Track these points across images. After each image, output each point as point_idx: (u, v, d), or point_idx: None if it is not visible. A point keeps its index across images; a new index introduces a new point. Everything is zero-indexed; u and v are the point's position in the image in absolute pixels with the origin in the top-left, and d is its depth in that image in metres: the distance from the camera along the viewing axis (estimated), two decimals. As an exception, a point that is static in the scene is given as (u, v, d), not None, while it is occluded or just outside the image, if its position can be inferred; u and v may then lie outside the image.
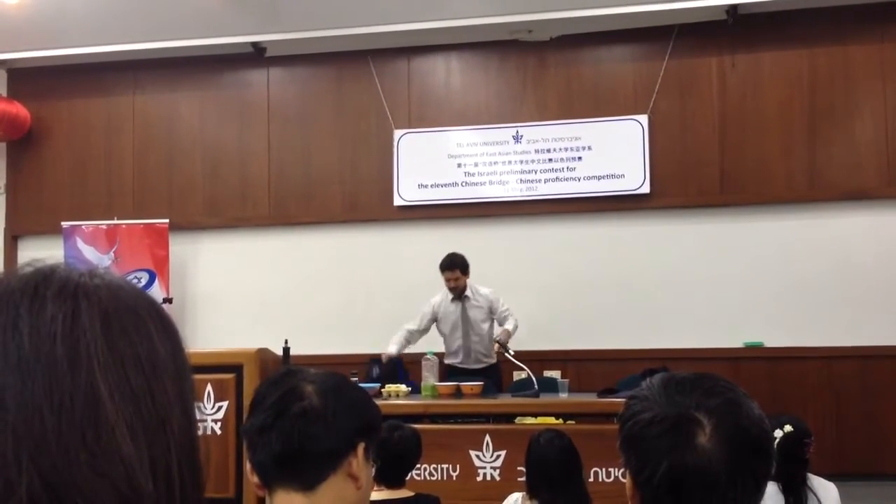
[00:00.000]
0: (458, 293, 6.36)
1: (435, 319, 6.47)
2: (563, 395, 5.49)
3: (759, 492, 1.25)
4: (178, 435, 0.62)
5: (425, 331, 6.48)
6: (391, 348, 6.33)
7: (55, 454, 0.55)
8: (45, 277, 0.61)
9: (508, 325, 6.19)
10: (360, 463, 1.51)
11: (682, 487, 1.23)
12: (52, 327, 0.58)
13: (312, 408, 1.48)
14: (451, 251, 6.42)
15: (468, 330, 6.41)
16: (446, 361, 6.51)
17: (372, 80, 7.73)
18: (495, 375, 6.46)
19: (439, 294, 6.48)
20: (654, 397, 1.29)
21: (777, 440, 3.53)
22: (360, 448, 1.51)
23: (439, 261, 6.32)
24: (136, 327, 0.62)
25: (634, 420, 1.29)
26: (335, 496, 1.48)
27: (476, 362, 6.45)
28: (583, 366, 6.77)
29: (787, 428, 3.61)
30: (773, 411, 6.41)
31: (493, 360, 6.50)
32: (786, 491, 3.55)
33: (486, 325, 6.43)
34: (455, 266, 6.32)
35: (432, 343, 6.55)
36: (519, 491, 3.58)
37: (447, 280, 6.34)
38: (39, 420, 0.55)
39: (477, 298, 6.40)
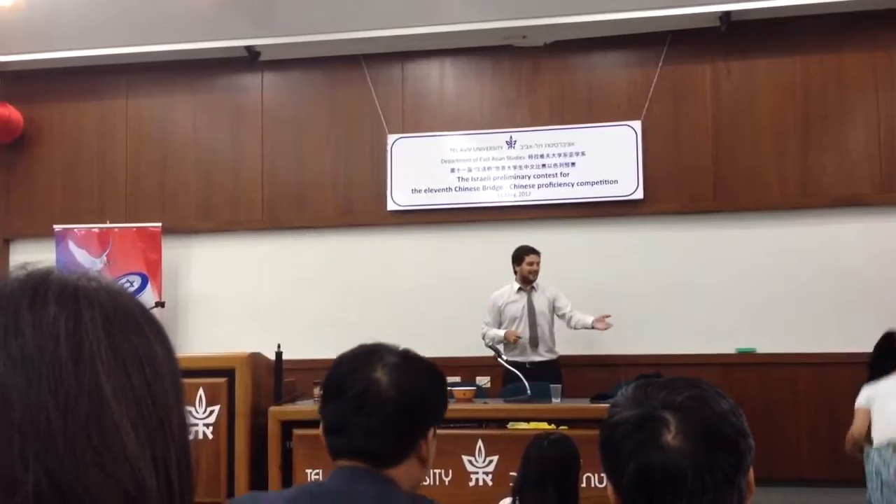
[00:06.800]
0: (535, 278, 6.45)
1: (499, 312, 6.50)
2: (556, 401, 5.48)
3: (732, 485, 1.25)
4: (176, 435, 0.62)
5: (500, 326, 6.50)
6: (498, 332, 6.37)
7: (62, 453, 0.55)
8: (42, 279, 0.61)
9: (576, 314, 6.40)
10: (429, 446, 1.59)
11: (651, 486, 1.24)
12: (55, 327, 0.58)
13: (390, 403, 1.54)
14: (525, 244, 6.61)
15: (534, 319, 6.42)
16: (507, 357, 6.24)
17: (366, 84, 7.73)
18: (555, 373, 6.31)
19: (500, 289, 6.55)
20: (625, 402, 1.32)
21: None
22: (431, 432, 1.59)
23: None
24: (136, 329, 0.62)
25: (606, 424, 1.32)
26: (403, 476, 1.56)
27: (547, 352, 6.43)
28: (576, 371, 6.76)
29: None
30: (765, 418, 6.39)
31: (555, 356, 6.50)
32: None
33: (548, 317, 6.47)
34: (537, 251, 6.47)
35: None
36: (511, 496, 3.58)
37: (529, 264, 6.42)
38: (45, 419, 0.55)
39: (543, 290, 6.50)
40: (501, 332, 6.35)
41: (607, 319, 6.27)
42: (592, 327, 6.33)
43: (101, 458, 0.56)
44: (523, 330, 6.41)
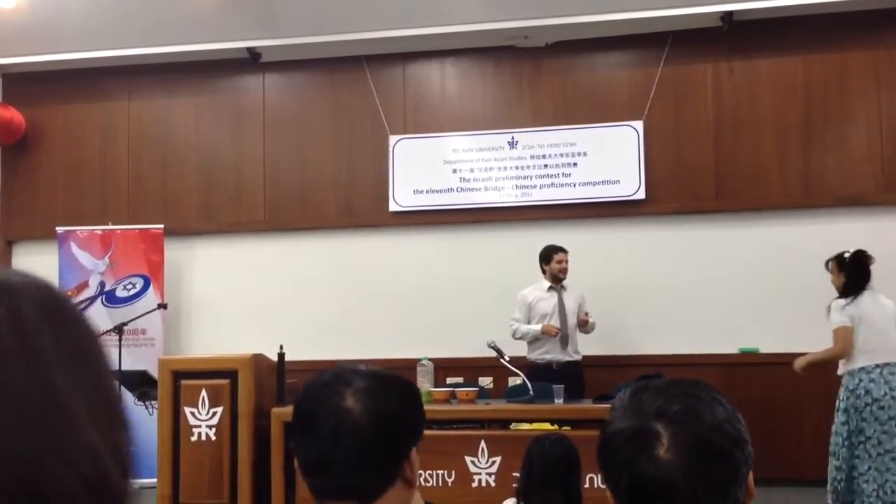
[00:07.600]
0: (564, 276, 6.48)
1: (529, 309, 6.50)
2: (559, 402, 5.48)
3: (726, 496, 1.24)
4: (121, 420, 0.63)
5: (528, 323, 6.49)
6: (532, 327, 6.38)
7: (22, 447, 0.55)
8: None
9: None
10: (412, 466, 1.53)
11: (643, 497, 1.24)
12: None
13: (366, 432, 1.47)
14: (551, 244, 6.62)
15: (565, 317, 6.43)
16: (530, 357, 6.40)
17: (367, 85, 7.74)
18: (579, 374, 6.39)
19: (527, 288, 6.55)
20: (621, 408, 1.31)
21: (846, 260, 5.25)
22: (412, 453, 1.53)
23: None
24: (72, 320, 0.63)
25: (602, 432, 1.32)
26: (392, 503, 1.51)
27: (574, 352, 6.44)
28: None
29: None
30: (767, 418, 6.37)
31: (579, 357, 6.52)
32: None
33: (576, 316, 6.48)
34: (565, 249, 6.51)
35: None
36: (514, 497, 3.58)
37: (558, 262, 6.46)
38: (2, 415, 0.55)
39: (572, 289, 6.54)
40: (537, 327, 6.36)
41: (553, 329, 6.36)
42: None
43: (61, 448, 0.56)
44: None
